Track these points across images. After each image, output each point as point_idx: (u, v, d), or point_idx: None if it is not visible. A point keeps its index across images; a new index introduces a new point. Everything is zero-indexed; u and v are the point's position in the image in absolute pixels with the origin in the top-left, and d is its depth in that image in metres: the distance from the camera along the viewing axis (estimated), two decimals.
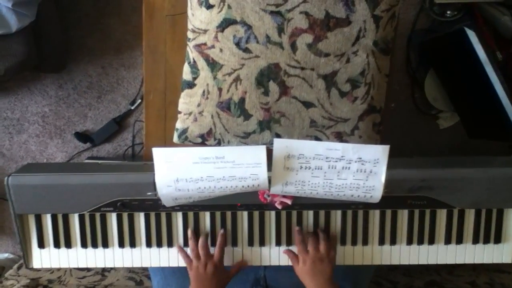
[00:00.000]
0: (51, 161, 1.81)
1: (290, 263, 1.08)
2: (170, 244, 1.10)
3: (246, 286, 1.15)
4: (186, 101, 1.07)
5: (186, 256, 1.07)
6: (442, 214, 1.09)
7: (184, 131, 1.09)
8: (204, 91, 1.03)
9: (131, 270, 1.49)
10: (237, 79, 1.00)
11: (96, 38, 1.73)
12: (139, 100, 1.75)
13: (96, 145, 1.80)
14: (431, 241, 1.10)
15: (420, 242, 1.10)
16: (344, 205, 1.06)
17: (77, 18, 1.72)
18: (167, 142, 1.19)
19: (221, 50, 0.99)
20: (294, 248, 1.09)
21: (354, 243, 1.10)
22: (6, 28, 1.27)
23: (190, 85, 1.05)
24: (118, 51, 1.74)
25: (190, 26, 1.02)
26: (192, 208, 1.06)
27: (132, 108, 1.77)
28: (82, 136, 1.78)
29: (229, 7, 0.96)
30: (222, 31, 0.97)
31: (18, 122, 1.79)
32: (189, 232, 1.07)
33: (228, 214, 1.09)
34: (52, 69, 1.69)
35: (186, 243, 1.09)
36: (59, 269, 1.46)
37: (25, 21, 1.30)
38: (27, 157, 1.82)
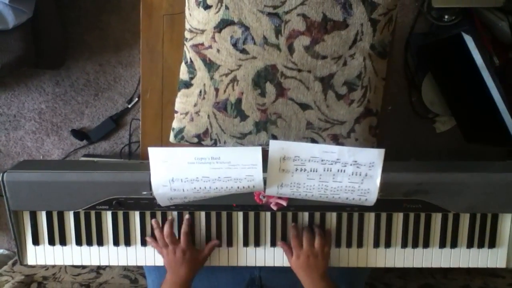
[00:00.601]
0: (47, 157, 1.81)
1: (285, 264, 1.09)
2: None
3: (241, 287, 1.15)
4: (183, 101, 1.07)
5: (157, 246, 1.08)
6: (437, 218, 1.09)
7: (181, 130, 1.09)
8: (201, 91, 1.03)
9: (126, 268, 1.49)
10: (234, 80, 1.00)
11: (95, 36, 1.73)
12: (136, 99, 1.75)
13: (93, 142, 1.80)
14: (426, 245, 1.10)
15: (415, 245, 1.10)
16: (340, 207, 1.06)
17: (77, 15, 1.71)
18: (163, 141, 1.19)
19: (218, 50, 0.99)
20: None
21: (349, 245, 1.10)
22: (3, 24, 1.27)
23: (187, 85, 1.05)
24: (116, 49, 1.74)
25: (187, 26, 1.02)
26: (187, 208, 1.06)
27: (129, 106, 1.76)
28: (79, 134, 1.77)
29: (227, 7, 0.96)
30: (220, 31, 0.97)
31: (14, 119, 1.78)
32: (153, 222, 1.07)
33: (224, 214, 1.09)
34: (50, 65, 1.69)
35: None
36: (53, 266, 1.46)
37: (22, 18, 1.30)
38: (23, 153, 1.81)
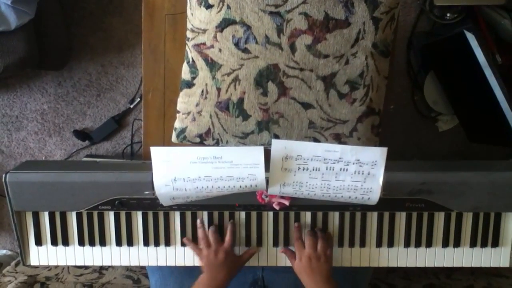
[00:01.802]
0: (50, 158, 1.81)
1: (288, 264, 1.08)
2: (167, 244, 1.10)
3: (244, 287, 1.15)
4: (185, 101, 1.07)
5: (195, 246, 1.07)
6: (440, 217, 1.08)
7: (183, 130, 1.09)
8: (203, 91, 1.03)
9: (128, 268, 1.49)
10: (236, 79, 1.00)
11: (97, 36, 1.73)
12: (138, 99, 1.75)
13: (95, 143, 1.80)
14: (429, 244, 1.09)
15: (418, 244, 1.10)
16: (342, 207, 1.05)
17: (80, 16, 1.72)
18: (166, 141, 1.19)
19: (220, 50, 0.99)
20: (292, 249, 1.09)
21: (351, 244, 1.10)
22: (5, 25, 1.27)
23: (189, 84, 1.05)
24: (119, 50, 1.74)
25: (189, 26, 1.02)
26: (190, 208, 1.06)
27: (131, 106, 1.77)
28: (81, 134, 1.78)
29: (229, 7, 0.95)
30: (221, 31, 0.97)
31: (17, 119, 1.79)
32: (198, 222, 1.07)
33: (226, 214, 1.08)
34: (53, 66, 1.69)
35: (183, 243, 1.09)
36: (56, 267, 1.46)
37: (24, 18, 1.30)
38: (25, 154, 1.82)
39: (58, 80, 1.76)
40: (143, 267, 1.45)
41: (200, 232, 1.06)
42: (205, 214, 1.08)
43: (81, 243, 1.10)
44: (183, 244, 1.09)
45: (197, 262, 1.10)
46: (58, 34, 1.60)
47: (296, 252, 1.05)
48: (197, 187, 0.97)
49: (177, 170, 0.96)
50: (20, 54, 1.35)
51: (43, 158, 1.81)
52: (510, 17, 1.52)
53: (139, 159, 1.76)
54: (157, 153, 0.95)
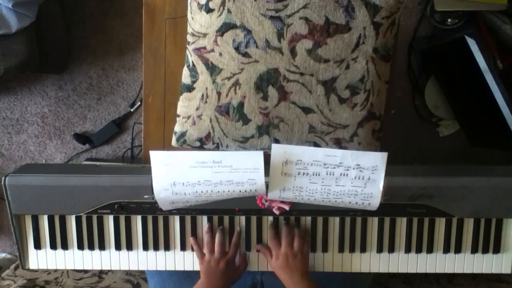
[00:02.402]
0: (50, 161, 1.81)
1: None
2: (167, 248, 1.09)
3: None
4: (185, 105, 1.07)
5: (199, 249, 1.07)
6: (441, 223, 1.08)
7: (183, 134, 1.09)
8: (203, 95, 1.03)
9: (128, 272, 1.48)
10: (236, 83, 1.00)
11: (98, 40, 1.73)
12: (139, 103, 1.75)
13: (95, 146, 1.80)
14: (430, 250, 1.09)
15: (419, 250, 1.09)
16: (343, 212, 1.05)
17: (81, 19, 1.72)
18: (166, 145, 1.19)
19: (220, 54, 0.98)
20: None
21: (352, 250, 1.09)
22: (6, 28, 1.27)
23: (189, 88, 1.05)
24: (120, 53, 1.74)
25: (189, 30, 1.02)
26: (189, 212, 1.06)
27: (132, 110, 1.76)
28: (81, 138, 1.78)
29: (229, 11, 0.95)
30: (222, 35, 0.97)
31: (17, 122, 1.79)
32: (206, 227, 1.06)
33: (226, 218, 1.08)
34: (54, 69, 1.69)
35: (182, 247, 1.09)
36: (56, 270, 1.45)
37: (25, 22, 1.31)
38: (25, 157, 1.81)
39: (59, 83, 1.76)
40: (142, 271, 1.44)
41: (207, 237, 1.06)
42: (204, 218, 1.08)
43: (80, 247, 1.10)
44: (182, 249, 1.09)
45: (196, 266, 1.10)
46: (59, 37, 1.60)
47: (273, 250, 1.05)
48: (196, 192, 0.96)
49: (177, 174, 0.95)
50: (21, 57, 1.35)
51: (43, 161, 1.81)
52: (511, 22, 1.52)
53: (139, 162, 1.75)
54: (156, 157, 0.95)
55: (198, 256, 1.07)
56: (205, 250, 1.06)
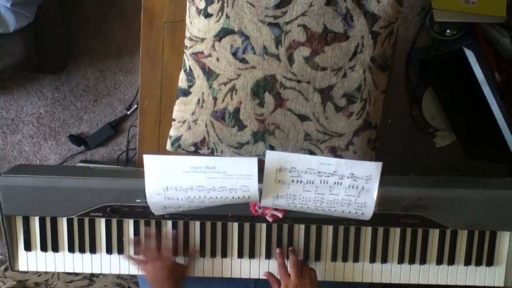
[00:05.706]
0: (44, 162, 1.80)
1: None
2: (158, 252, 1.08)
3: None
4: (181, 109, 1.06)
5: (137, 262, 1.06)
6: (434, 234, 1.08)
7: (178, 139, 1.08)
8: (199, 100, 1.03)
9: (119, 276, 1.47)
10: (233, 89, 0.99)
11: (97, 41, 1.73)
12: (135, 106, 1.75)
13: (90, 148, 1.79)
14: (423, 261, 1.09)
15: (412, 261, 1.09)
16: (336, 221, 1.05)
17: (80, 20, 1.72)
18: (161, 148, 1.18)
19: (217, 59, 0.98)
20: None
21: (345, 259, 1.09)
22: (4, 28, 1.27)
23: (186, 93, 1.05)
24: (118, 55, 1.74)
25: (187, 34, 1.01)
26: (182, 217, 1.05)
27: (128, 113, 1.76)
28: (77, 139, 1.77)
29: (228, 16, 0.95)
30: (220, 40, 0.97)
31: (12, 122, 1.78)
32: (133, 239, 1.07)
33: (219, 224, 1.08)
34: (51, 70, 1.69)
35: (174, 252, 1.08)
36: (46, 272, 1.44)
37: (23, 22, 1.30)
38: (20, 157, 1.80)
39: (56, 84, 1.75)
40: (133, 275, 1.43)
41: (135, 250, 1.07)
42: (197, 224, 1.07)
43: (71, 249, 1.09)
44: (174, 254, 1.08)
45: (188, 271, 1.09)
46: (57, 38, 1.60)
47: (282, 280, 1.04)
48: (189, 197, 0.96)
49: (169, 179, 0.95)
50: (18, 57, 1.35)
51: (38, 162, 1.80)
52: (510, 35, 1.53)
53: (134, 166, 1.75)
54: (149, 161, 0.95)
55: (140, 269, 1.07)
56: (147, 259, 1.05)
